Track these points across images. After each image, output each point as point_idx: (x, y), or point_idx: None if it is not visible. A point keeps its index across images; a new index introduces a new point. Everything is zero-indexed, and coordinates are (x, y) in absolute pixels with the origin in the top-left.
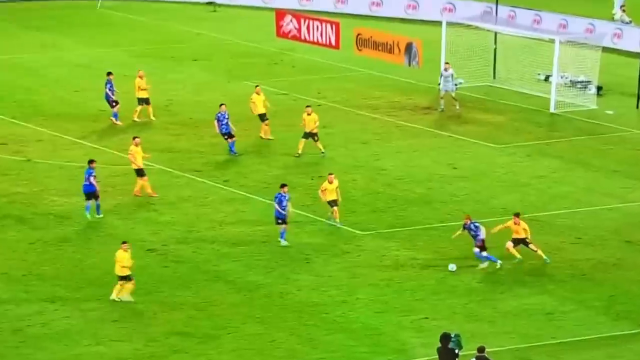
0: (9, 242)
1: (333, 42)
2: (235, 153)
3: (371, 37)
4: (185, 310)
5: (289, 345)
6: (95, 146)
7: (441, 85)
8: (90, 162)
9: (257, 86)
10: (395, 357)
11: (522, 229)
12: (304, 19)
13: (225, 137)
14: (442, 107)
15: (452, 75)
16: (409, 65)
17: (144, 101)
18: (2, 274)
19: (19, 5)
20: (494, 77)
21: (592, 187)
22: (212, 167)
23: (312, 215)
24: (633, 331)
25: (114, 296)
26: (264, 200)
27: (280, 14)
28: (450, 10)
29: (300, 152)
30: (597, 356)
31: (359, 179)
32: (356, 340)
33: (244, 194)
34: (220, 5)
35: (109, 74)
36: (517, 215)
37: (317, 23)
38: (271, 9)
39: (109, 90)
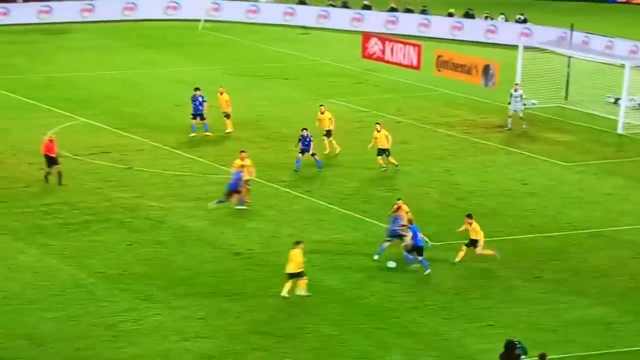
0: (108, 244)
1: (414, 63)
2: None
3: (451, 58)
4: (266, 310)
5: (360, 347)
6: (191, 156)
7: (511, 105)
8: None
9: (321, 106)
10: None
11: (475, 231)
12: (389, 42)
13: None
14: (510, 125)
15: (520, 95)
16: (486, 86)
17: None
18: (99, 272)
19: (127, 25)
20: (566, 98)
21: None
22: (296, 178)
23: (385, 225)
24: None
25: (284, 293)
26: (341, 210)
27: (366, 36)
28: (527, 35)
29: (384, 165)
30: None
31: (432, 192)
32: (424, 344)
33: (324, 204)
34: (311, 28)
35: (197, 89)
36: (469, 216)
37: (400, 45)
38: (359, 32)
39: (199, 104)
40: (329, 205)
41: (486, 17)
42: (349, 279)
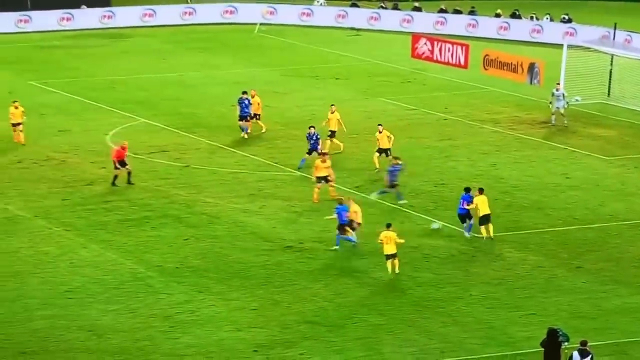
0: (166, 238)
1: (462, 62)
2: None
3: (497, 57)
4: (316, 301)
5: (407, 335)
6: (245, 154)
7: (553, 103)
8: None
9: (332, 105)
10: (503, 349)
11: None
12: (437, 42)
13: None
14: (554, 122)
15: (562, 94)
16: (531, 83)
17: (257, 116)
18: (157, 266)
19: (186, 29)
20: (608, 95)
21: None
22: (346, 174)
23: (432, 219)
24: None
25: (390, 271)
26: (390, 204)
27: (416, 37)
28: (571, 34)
29: (378, 167)
30: None
31: (478, 187)
32: (468, 332)
33: (373, 199)
34: (363, 30)
35: (244, 92)
36: (480, 190)
37: (448, 45)
38: (408, 33)
39: (245, 107)
40: (378, 200)
41: (532, 17)
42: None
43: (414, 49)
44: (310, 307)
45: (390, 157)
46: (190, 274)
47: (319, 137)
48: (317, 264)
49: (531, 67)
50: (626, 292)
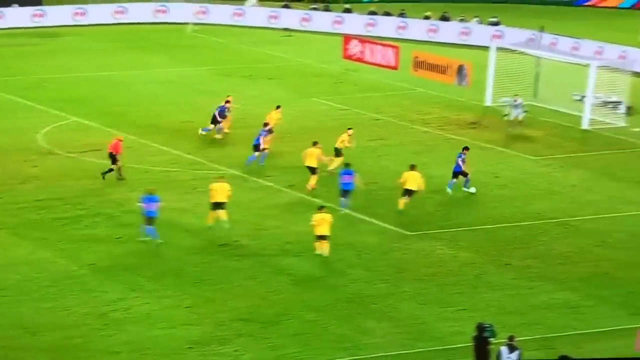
0: (99, 237)
1: (393, 64)
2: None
3: (427, 59)
4: (250, 298)
5: (341, 331)
6: (178, 152)
7: (511, 112)
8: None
9: (278, 107)
10: (435, 344)
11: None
12: (368, 43)
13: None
14: (511, 128)
15: (521, 104)
16: (459, 85)
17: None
18: (91, 264)
19: (118, 29)
20: (535, 96)
21: (617, 196)
22: (279, 173)
23: (366, 217)
24: None
25: (318, 251)
26: (324, 203)
27: (347, 38)
28: (499, 36)
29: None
30: (615, 346)
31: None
32: (401, 328)
33: (306, 197)
34: (295, 30)
35: (227, 101)
36: (412, 167)
37: (379, 47)
38: (339, 34)
39: (223, 111)
40: (312, 199)
41: (461, 20)
42: (329, 268)
43: (345, 50)
44: (244, 304)
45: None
46: (124, 272)
47: (265, 134)
48: (250, 262)
49: (460, 68)
50: (553, 288)
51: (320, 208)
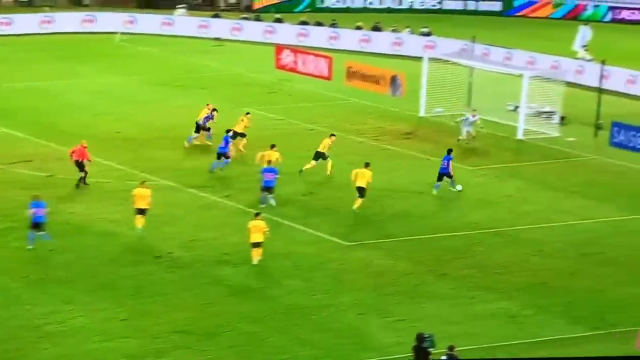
0: (32, 249)
1: (326, 74)
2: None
3: (360, 69)
4: (187, 310)
5: (279, 342)
6: (110, 163)
7: (462, 127)
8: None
9: (247, 113)
10: (374, 355)
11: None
12: (300, 53)
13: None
14: (465, 139)
15: (476, 120)
16: (393, 95)
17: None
18: (23, 277)
19: (45, 38)
20: (469, 107)
21: (554, 206)
22: (215, 184)
23: (303, 227)
24: (587, 334)
25: (255, 262)
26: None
27: (279, 48)
28: (431, 47)
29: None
30: (554, 355)
31: (347, 196)
32: (340, 339)
33: (243, 207)
34: (225, 40)
35: (214, 110)
36: (366, 165)
37: (312, 57)
38: (271, 44)
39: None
40: (248, 209)
41: (392, 30)
42: (266, 279)
43: (278, 60)
44: (181, 316)
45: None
46: (57, 285)
47: (228, 141)
48: (186, 274)
49: (393, 79)
50: (491, 297)
51: (256, 215)
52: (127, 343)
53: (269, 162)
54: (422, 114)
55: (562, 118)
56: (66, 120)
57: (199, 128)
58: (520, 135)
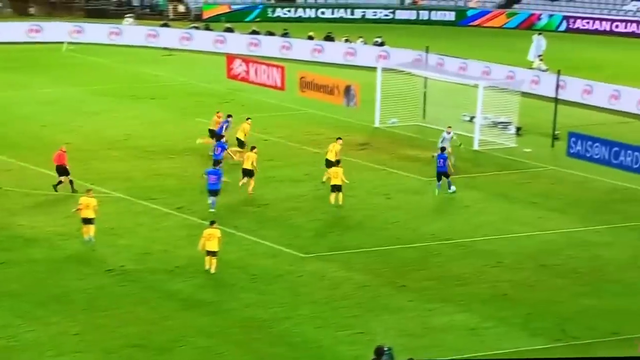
0: None
1: (279, 84)
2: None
3: (313, 80)
4: (141, 325)
5: (235, 357)
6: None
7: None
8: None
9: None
10: None
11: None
12: (252, 63)
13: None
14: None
15: (451, 137)
16: (348, 105)
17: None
18: None
19: None
20: (424, 117)
21: (512, 217)
22: (167, 195)
23: (258, 239)
24: (547, 346)
25: (207, 266)
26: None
27: (230, 58)
28: (384, 57)
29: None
30: None
31: (302, 207)
32: (297, 352)
33: (196, 219)
34: (175, 49)
35: (229, 116)
36: (337, 162)
37: (264, 67)
38: (222, 54)
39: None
40: (201, 222)
41: (346, 40)
42: (221, 292)
43: (229, 69)
44: (135, 330)
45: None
46: (8, 299)
47: (225, 147)
48: (139, 287)
49: (347, 89)
50: (451, 309)
51: (211, 223)
52: (80, 357)
53: (216, 162)
54: (377, 124)
55: (519, 129)
56: (14, 132)
57: (214, 135)
58: (476, 146)
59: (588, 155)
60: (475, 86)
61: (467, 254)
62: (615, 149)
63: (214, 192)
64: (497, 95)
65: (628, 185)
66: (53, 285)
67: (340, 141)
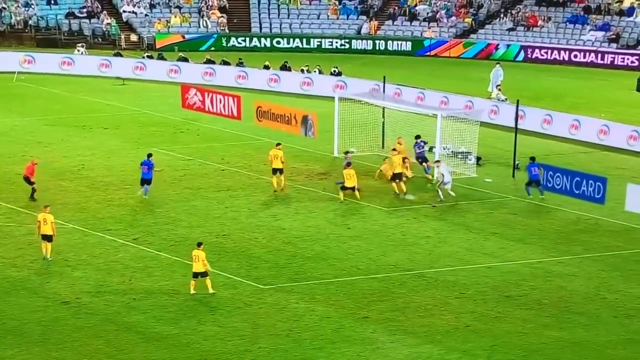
0: None
1: (235, 114)
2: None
3: (270, 109)
4: (98, 358)
5: None
6: (11, 206)
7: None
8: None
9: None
10: None
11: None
12: (208, 92)
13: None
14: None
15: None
16: (306, 135)
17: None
18: None
19: None
20: (383, 147)
21: (473, 247)
22: (122, 227)
23: (217, 271)
24: None
25: (192, 291)
26: (170, 257)
27: (185, 87)
28: (341, 87)
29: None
30: None
31: (260, 237)
32: None
33: (152, 251)
34: (129, 79)
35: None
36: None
37: (220, 96)
38: (177, 83)
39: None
40: (158, 253)
41: (302, 70)
42: (180, 325)
43: (184, 99)
44: None
45: None
46: None
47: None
48: (96, 320)
49: (304, 119)
50: (414, 341)
51: (198, 245)
52: None
53: (150, 155)
54: (336, 154)
55: (479, 158)
56: None
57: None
58: (436, 176)
59: (549, 185)
60: (434, 116)
61: (430, 285)
62: (577, 179)
63: (147, 181)
64: (457, 125)
65: (590, 215)
66: (7, 317)
67: (280, 146)
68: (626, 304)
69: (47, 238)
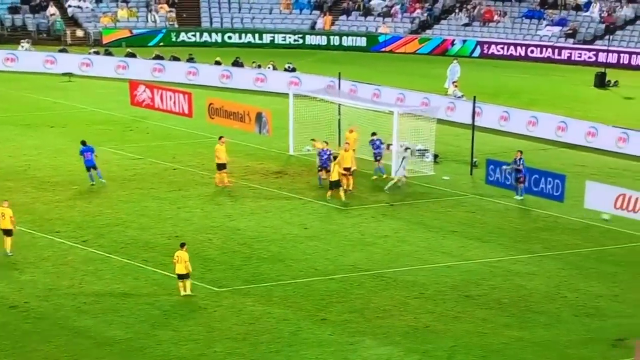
0: None
1: (186, 111)
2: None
3: (222, 106)
4: None
5: None
6: None
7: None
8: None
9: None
10: None
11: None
12: (157, 89)
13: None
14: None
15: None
16: (260, 133)
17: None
18: None
19: None
20: (339, 144)
21: (432, 247)
22: (71, 228)
23: (170, 274)
24: None
25: (182, 293)
26: (121, 259)
27: (134, 84)
28: (296, 83)
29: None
30: None
31: (214, 238)
32: None
33: (102, 253)
34: (75, 75)
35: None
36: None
37: (170, 93)
38: (125, 80)
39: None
40: (108, 255)
41: (255, 66)
42: (133, 329)
43: (132, 96)
44: None
45: None
46: None
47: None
48: (45, 325)
49: (259, 116)
50: (373, 343)
51: (182, 245)
52: None
53: (84, 142)
54: (291, 152)
55: (436, 156)
56: None
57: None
58: (393, 174)
59: (508, 183)
60: (391, 113)
61: (389, 285)
62: (535, 176)
63: (92, 167)
64: (413, 122)
65: (550, 213)
66: None
67: (223, 139)
68: (586, 302)
69: (7, 232)
